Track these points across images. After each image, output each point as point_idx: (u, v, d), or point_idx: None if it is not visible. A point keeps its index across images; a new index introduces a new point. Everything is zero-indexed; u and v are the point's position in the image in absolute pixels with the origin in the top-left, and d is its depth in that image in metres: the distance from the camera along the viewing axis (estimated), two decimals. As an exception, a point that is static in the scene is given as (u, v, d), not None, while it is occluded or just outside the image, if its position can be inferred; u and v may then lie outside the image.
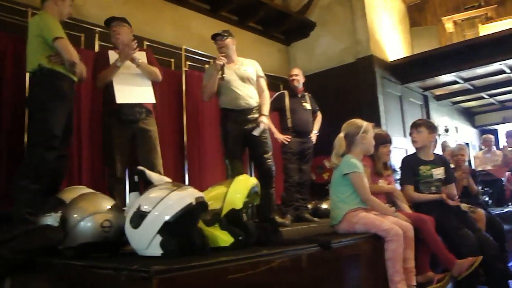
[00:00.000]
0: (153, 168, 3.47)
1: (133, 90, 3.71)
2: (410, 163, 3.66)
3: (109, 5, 4.97)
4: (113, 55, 3.71)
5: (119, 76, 3.66)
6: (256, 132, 4.03)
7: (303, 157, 5.02)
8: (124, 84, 3.66)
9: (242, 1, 6.21)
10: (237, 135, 4.03)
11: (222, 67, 3.94)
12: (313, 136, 5.10)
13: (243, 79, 4.09)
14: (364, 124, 3.08)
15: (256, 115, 4.09)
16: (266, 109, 4.20)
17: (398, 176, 4.01)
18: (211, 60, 5.68)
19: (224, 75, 3.95)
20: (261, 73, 4.30)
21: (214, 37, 4.17)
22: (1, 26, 3.92)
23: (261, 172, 4.15)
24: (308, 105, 5.14)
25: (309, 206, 5.40)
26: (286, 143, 4.85)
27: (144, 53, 3.91)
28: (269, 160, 4.10)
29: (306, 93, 5.27)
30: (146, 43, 5.07)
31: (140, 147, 3.76)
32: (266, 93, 4.29)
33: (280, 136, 4.82)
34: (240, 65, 4.17)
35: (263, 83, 4.30)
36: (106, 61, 3.69)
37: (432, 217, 3.16)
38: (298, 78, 5.17)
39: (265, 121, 4.12)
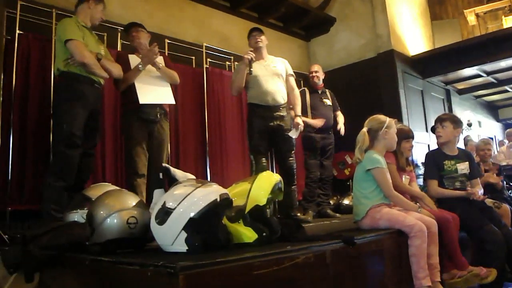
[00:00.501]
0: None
1: (155, 91, 3.83)
2: (434, 157, 3.62)
3: (131, 5, 5.03)
4: (133, 59, 3.83)
5: (141, 78, 3.78)
6: (293, 135, 4.07)
7: (325, 152, 5.00)
8: (146, 86, 3.78)
9: (262, -3, 6.21)
10: (262, 131, 4.04)
11: (250, 62, 3.97)
12: (341, 128, 5.06)
13: (272, 75, 4.10)
14: (387, 119, 3.07)
15: (283, 113, 4.09)
16: (299, 109, 4.23)
17: (420, 172, 3.97)
18: (232, 57, 5.74)
19: (251, 69, 3.98)
20: (291, 72, 4.31)
21: (252, 31, 4.24)
22: (27, 27, 3.99)
23: (282, 169, 4.15)
24: (328, 101, 5.11)
25: (331, 202, 5.39)
26: (321, 124, 4.83)
27: (162, 57, 4.03)
28: (291, 158, 4.12)
29: (327, 90, 5.25)
30: (167, 41, 5.12)
31: (151, 147, 3.87)
32: (296, 91, 4.30)
33: (314, 122, 4.81)
34: (270, 61, 4.20)
35: (293, 81, 4.31)
36: (126, 64, 3.79)
37: (456, 215, 3.12)
38: (318, 74, 5.15)
39: (301, 123, 4.15)
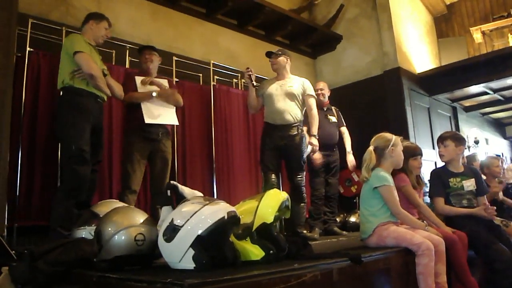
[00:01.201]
0: (162, 186, 3.85)
1: (160, 112, 4.00)
2: (439, 175, 3.60)
3: (140, 22, 5.10)
4: (138, 80, 4.02)
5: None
6: (305, 154, 4.12)
7: (330, 170, 5.00)
8: (152, 107, 3.96)
9: (269, 15, 6.26)
10: (272, 149, 4.12)
11: (250, 78, 4.09)
12: (349, 156, 5.14)
13: (284, 94, 4.17)
14: (393, 137, 3.07)
15: (293, 132, 4.12)
16: (314, 129, 4.27)
17: (427, 189, 3.95)
18: (239, 74, 5.79)
19: (253, 83, 4.11)
20: (310, 92, 4.33)
21: (269, 55, 4.34)
22: (37, 44, 4.05)
23: (291, 186, 4.20)
24: (333, 118, 5.14)
25: (338, 219, 5.37)
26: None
27: (166, 80, 4.24)
28: (299, 176, 4.15)
29: (333, 107, 5.27)
30: (175, 58, 5.16)
31: (154, 164, 4.01)
32: (314, 112, 4.31)
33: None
34: (288, 81, 4.27)
35: (312, 102, 4.32)
36: (133, 85, 3.98)
37: (464, 234, 3.11)
38: (324, 92, 5.19)
39: (315, 143, 4.21)
